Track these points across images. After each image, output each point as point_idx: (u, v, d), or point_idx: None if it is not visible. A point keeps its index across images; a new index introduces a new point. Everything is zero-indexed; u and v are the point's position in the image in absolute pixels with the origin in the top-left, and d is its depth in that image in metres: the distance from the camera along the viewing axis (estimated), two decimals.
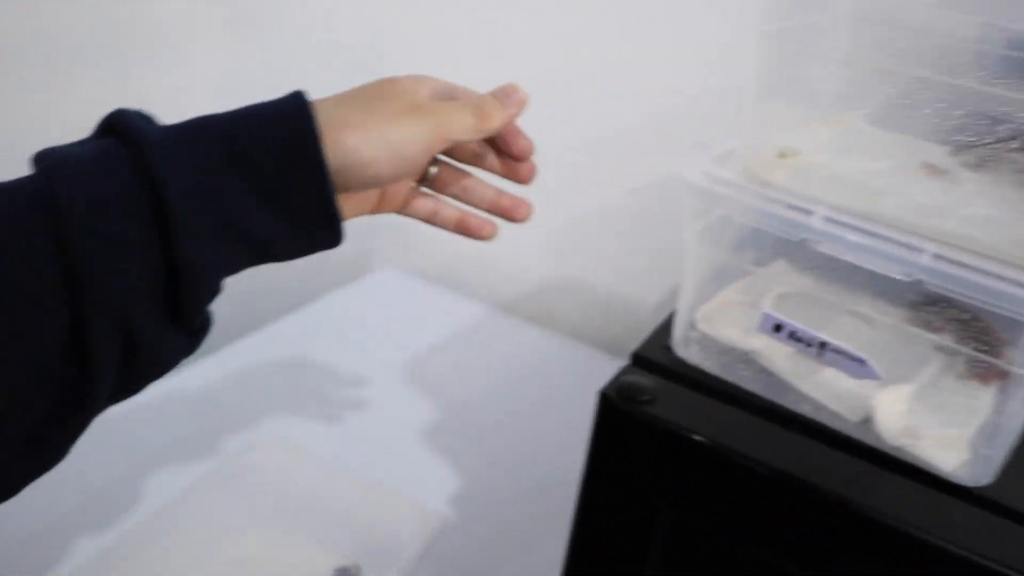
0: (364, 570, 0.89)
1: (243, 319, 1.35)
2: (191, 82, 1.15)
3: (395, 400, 1.20)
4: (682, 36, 1.19)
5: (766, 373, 0.64)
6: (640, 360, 0.64)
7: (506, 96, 0.53)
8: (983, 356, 0.54)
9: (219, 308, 1.33)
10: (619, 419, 0.59)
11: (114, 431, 1.07)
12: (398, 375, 1.25)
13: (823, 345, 0.57)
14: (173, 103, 1.12)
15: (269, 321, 1.34)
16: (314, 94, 0.48)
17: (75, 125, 0.99)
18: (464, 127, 0.50)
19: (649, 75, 1.24)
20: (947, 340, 0.57)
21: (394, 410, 1.18)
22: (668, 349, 0.65)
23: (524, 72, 1.43)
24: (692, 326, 0.67)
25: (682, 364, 0.64)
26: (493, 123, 0.51)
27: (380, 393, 1.21)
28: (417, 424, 1.15)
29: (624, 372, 0.62)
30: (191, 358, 1.26)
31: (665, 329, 0.68)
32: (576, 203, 1.38)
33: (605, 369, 1.34)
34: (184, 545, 0.83)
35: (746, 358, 0.65)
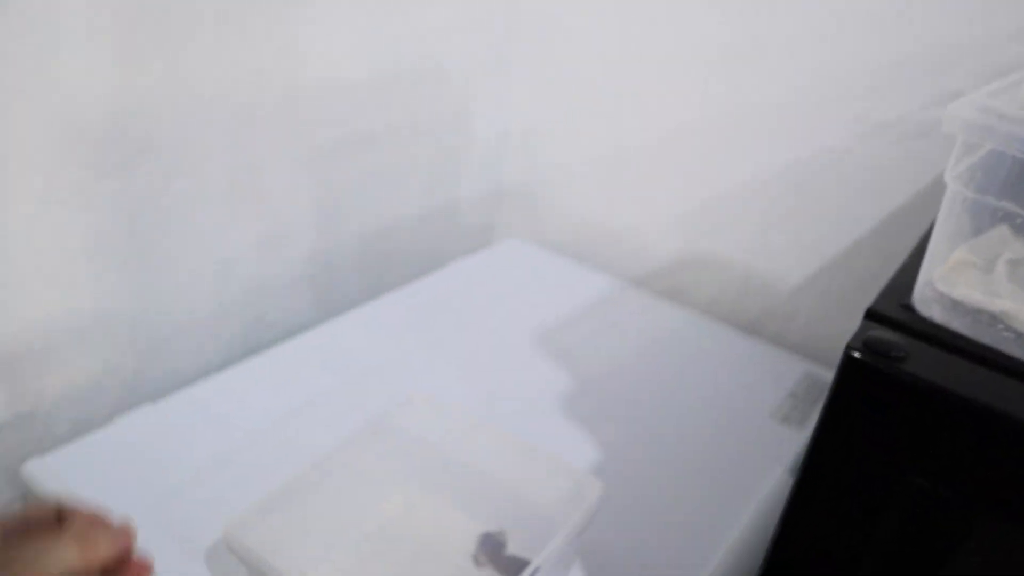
0: (510, 537, 0.86)
1: (368, 286, 1.34)
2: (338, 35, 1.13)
3: (531, 368, 1.16)
4: (826, 10, 1.13)
5: (1017, 335, 0.58)
6: (878, 317, 0.58)
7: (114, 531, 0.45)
8: None
9: (345, 273, 1.31)
10: (869, 377, 0.54)
11: (258, 387, 1.06)
12: (531, 344, 1.22)
13: None
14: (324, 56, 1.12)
15: (395, 287, 1.32)
16: None
17: (244, 69, 0.96)
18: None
19: (792, 52, 1.17)
20: None
21: (531, 378, 1.14)
22: (907, 308, 0.60)
23: (658, 46, 1.39)
24: (930, 285, 0.61)
25: (927, 323, 0.58)
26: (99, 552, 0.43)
27: (516, 360, 1.18)
28: (555, 394, 1.11)
29: (866, 329, 0.57)
30: (321, 316, 1.26)
31: (896, 288, 0.63)
32: (713, 179, 1.32)
33: (738, 346, 1.38)
34: (329, 504, 0.80)
35: (994, 319, 0.59)
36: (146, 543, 0.50)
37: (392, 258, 1.38)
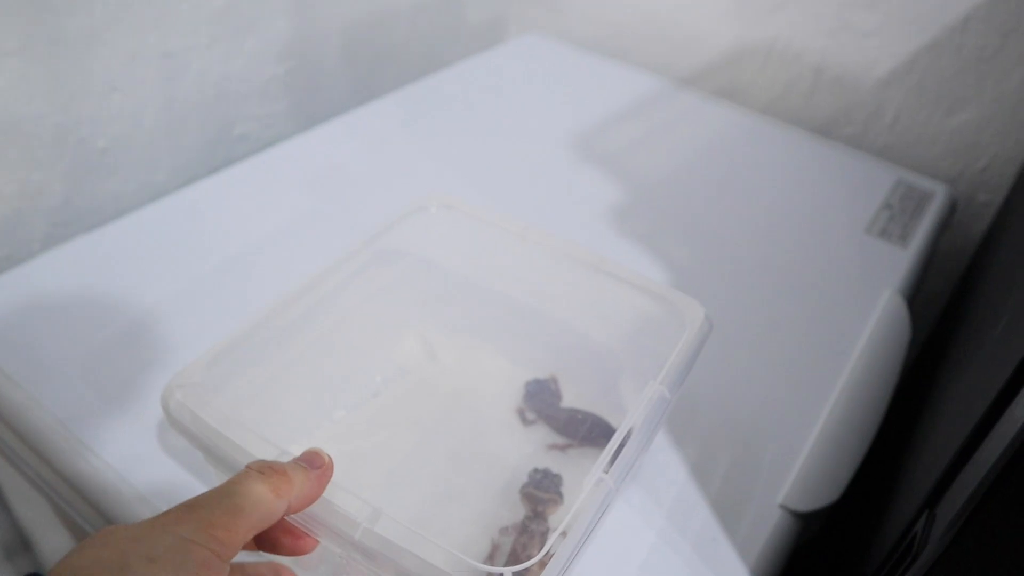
0: (566, 386, 0.66)
1: (356, 89, 1.08)
2: None
3: (569, 178, 0.93)
4: None
5: None
6: None
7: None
8: None
9: (328, 73, 1.04)
10: None
11: (222, 210, 0.83)
12: (565, 150, 0.98)
13: None
14: None
15: (389, 91, 1.06)
16: None
17: None
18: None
19: None
20: None
21: (571, 190, 0.91)
22: None
23: None
24: None
25: None
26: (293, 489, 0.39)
27: (549, 169, 0.95)
28: (605, 208, 0.88)
29: None
30: (301, 126, 1.01)
31: None
32: None
33: (815, 151, 1.01)
34: (316, 352, 0.60)
35: None
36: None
37: (384, 56, 1.12)
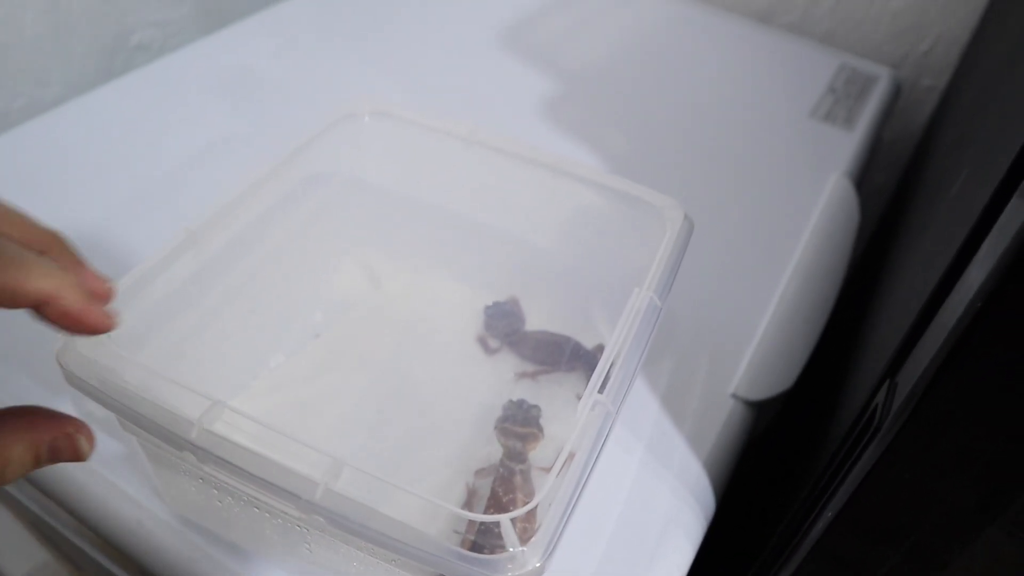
0: (528, 308, 0.59)
1: None
2: None
3: (504, 71, 0.85)
4: None
5: None
6: None
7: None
8: None
9: None
10: None
11: (120, 122, 0.72)
12: (496, 43, 0.89)
13: None
14: None
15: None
16: None
17: None
18: None
19: None
20: None
21: (507, 83, 0.83)
22: None
23: None
24: None
25: None
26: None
27: (481, 62, 0.86)
28: (541, 102, 0.81)
29: None
30: (207, 28, 0.88)
31: None
32: None
33: (755, 39, 0.94)
34: (235, 285, 0.52)
35: None
36: None
37: None
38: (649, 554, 0.48)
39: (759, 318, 0.63)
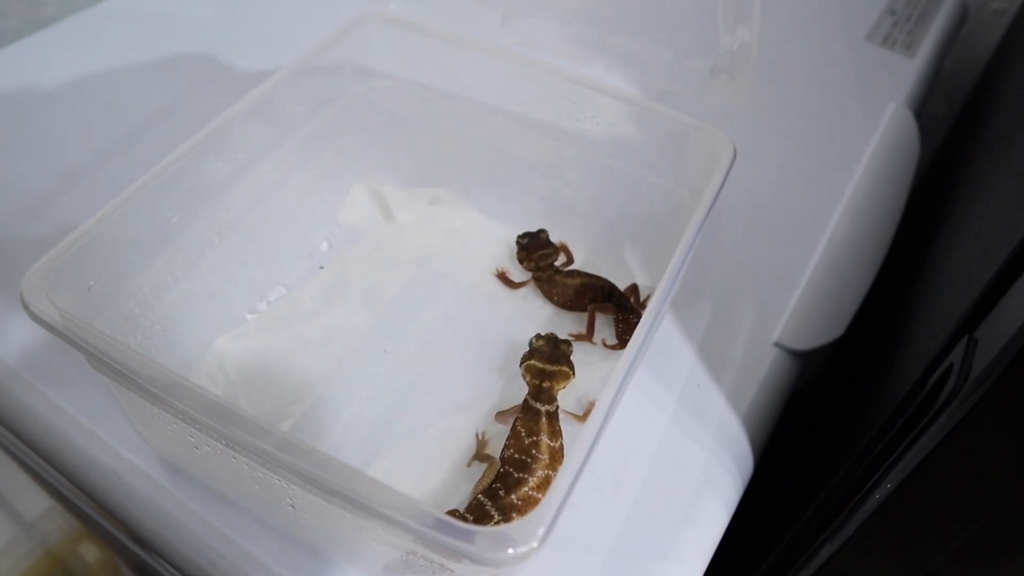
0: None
1: None
2: None
3: None
4: None
5: None
6: None
7: None
8: None
9: None
10: None
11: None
12: None
13: None
14: None
15: None
16: None
17: None
18: None
19: None
20: None
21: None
22: None
23: None
24: None
25: None
26: None
27: None
28: (573, 17, 0.73)
29: None
30: None
31: None
32: None
33: None
34: (219, 215, 0.47)
35: None
36: None
37: None
38: (679, 519, 0.43)
39: (807, 260, 0.57)
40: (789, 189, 0.63)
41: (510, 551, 0.28)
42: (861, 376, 0.60)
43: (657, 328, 0.36)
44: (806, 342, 0.52)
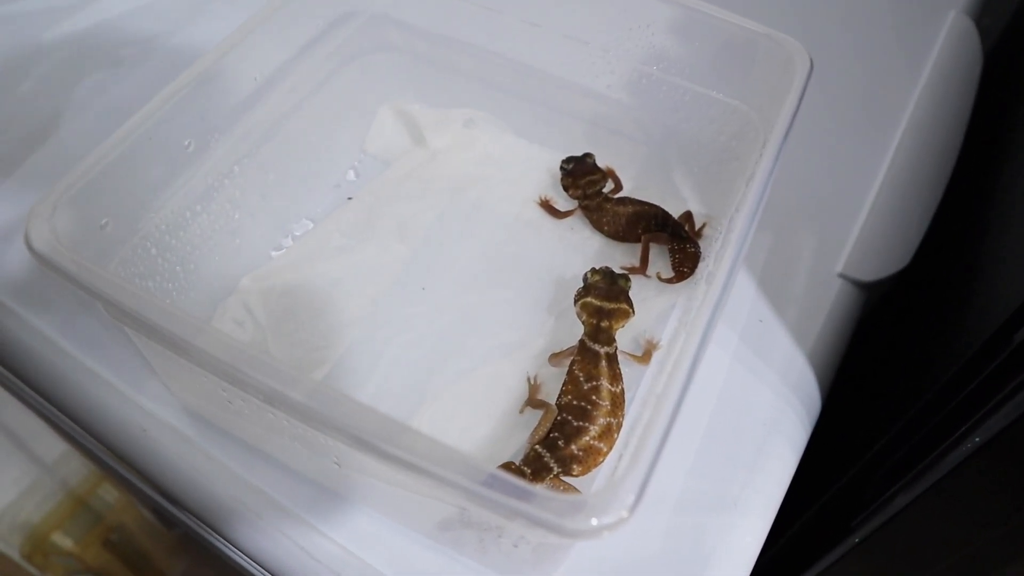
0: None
1: None
2: None
3: None
4: None
5: None
6: None
7: None
8: None
9: None
10: None
11: None
12: None
13: None
14: None
15: None
16: None
17: None
18: None
19: None
20: None
21: None
22: None
23: None
24: None
25: None
26: None
27: None
28: None
29: None
30: None
31: None
32: None
33: None
34: (247, 152, 0.42)
35: None
36: None
37: None
38: (747, 465, 0.40)
39: (869, 184, 0.52)
40: (845, 107, 0.58)
41: (594, 521, 0.25)
42: (926, 311, 0.56)
43: (737, 271, 0.32)
44: (872, 272, 0.49)
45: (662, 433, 0.27)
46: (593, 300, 0.40)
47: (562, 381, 0.39)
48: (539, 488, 0.26)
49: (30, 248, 0.30)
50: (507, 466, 0.37)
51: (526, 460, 0.37)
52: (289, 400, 0.27)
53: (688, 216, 0.48)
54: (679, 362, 0.29)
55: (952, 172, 0.55)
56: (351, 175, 0.49)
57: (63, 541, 0.92)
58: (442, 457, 0.26)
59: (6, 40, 0.54)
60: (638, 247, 0.46)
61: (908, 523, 0.42)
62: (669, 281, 0.45)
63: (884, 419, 0.50)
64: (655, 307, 0.44)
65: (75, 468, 0.90)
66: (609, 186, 0.49)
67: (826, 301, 0.47)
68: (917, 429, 0.44)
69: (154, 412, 0.39)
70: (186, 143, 0.38)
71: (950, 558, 0.42)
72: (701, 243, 0.47)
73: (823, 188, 0.52)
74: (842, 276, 0.48)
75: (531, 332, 0.43)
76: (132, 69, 0.53)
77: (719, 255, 0.36)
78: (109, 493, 0.90)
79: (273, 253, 0.45)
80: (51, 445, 0.85)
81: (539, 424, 0.38)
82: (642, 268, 0.46)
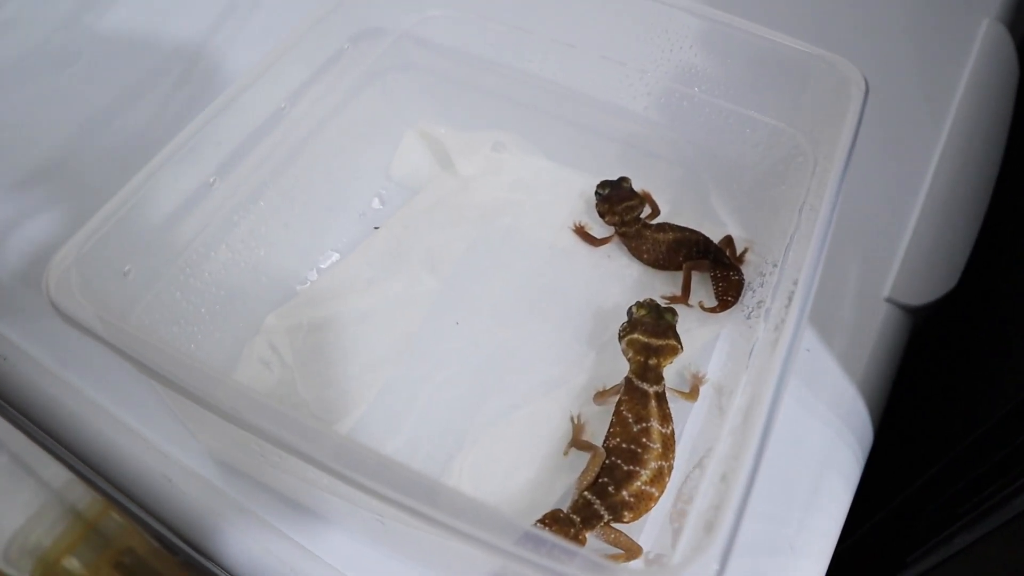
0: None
1: None
2: None
3: None
4: None
5: None
6: None
7: None
8: None
9: None
10: None
11: None
12: None
13: None
14: None
15: None
16: None
17: None
18: None
19: None
20: None
21: None
22: None
23: None
24: None
25: None
26: None
27: None
28: None
29: None
30: None
31: None
32: None
33: None
34: (275, 174, 0.40)
35: None
36: None
37: None
38: (801, 507, 0.38)
39: (911, 204, 0.51)
40: (881, 124, 0.55)
41: None
42: (977, 336, 0.54)
43: (805, 317, 0.30)
44: (920, 296, 0.47)
45: (739, 502, 0.25)
46: (640, 336, 0.39)
47: (608, 421, 0.37)
48: (584, 550, 0.24)
49: (50, 302, 0.28)
50: (555, 514, 0.35)
51: (575, 507, 0.35)
52: (314, 459, 0.25)
53: (729, 241, 0.46)
54: (751, 422, 0.27)
55: (995, 186, 0.53)
56: (376, 203, 0.47)
57: (73, 565, 0.90)
58: (480, 515, 0.24)
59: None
60: (678, 275, 0.44)
61: (967, 563, 0.40)
62: (712, 311, 0.43)
63: (933, 451, 0.48)
64: (699, 338, 0.43)
65: (83, 492, 0.89)
66: (646, 211, 0.47)
67: (874, 327, 0.45)
68: (973, 464, 0.42)
69: (179, 460, 0.37)
70: (211, 180, 0.36)
71: None
72: (744, 268, 0.45)
73: (864, 210, 0.50)
74: (889, 301, 0.46)
75: (572, 368, 0.41)
76: (153, 87, 0.51)
77: (775, 290, 0.34)
78: (118, 517, 0.88)
79: (298, 288, 0.43)
80: (59, 470, 0.83)
81: (587, 468, 0.36)
82: (684, 297, 0.44)
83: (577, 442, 0.38)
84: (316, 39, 0.41)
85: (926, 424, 0.54)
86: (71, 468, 0.42)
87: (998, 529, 0.37)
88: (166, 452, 0.37)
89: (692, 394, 0.40)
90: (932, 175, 0.52)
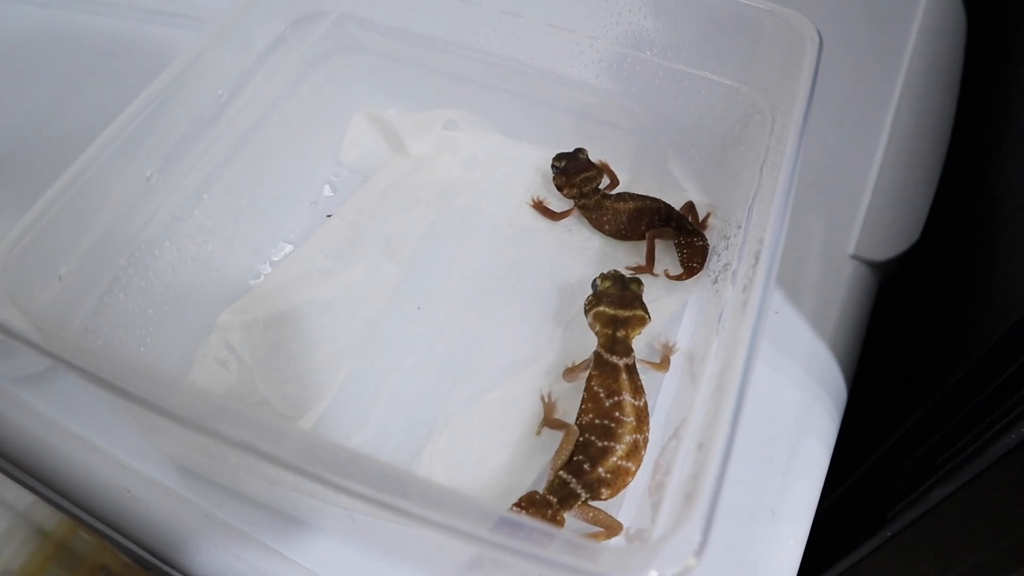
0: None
1: None
2: None
3: None
4: None
5: None
6: None
7: None
8: None
9: None
10: None
11: None
12: None
13: None
14: None
15: None
16: None
17: None
18: None
19: None
20: None
21: None
22: None
23: None
24: None
25: None
26: None
27: None
28: None
29: None
30: None
31: None
32: None
33: None
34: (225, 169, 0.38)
35: None
36: None
37: None
38: (780, 471, 0.38)
39: (869, 162, 0.50)
40: (834, 82, 0.55)
41: (653, 574, 0.22)
42: (942, 291, 0.54)
43: (773, 276, 0.29)
44: (885, 251, 0.46)
45: (718, 470, 0.24)
46: (606, 309, 0.38)
47: (580, 398, 0.37)
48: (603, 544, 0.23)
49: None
50: (531, 496, 0.34)
51: (551, 488, 0.34)
52: (278, 459, 0.24)
53: (691, 207, 0.45)
54: (725, 387, 0.26)
55: (950, 139, 0.53)
56: (327, 190, 0.46)
57: None
58: (454, 504, 0.23)
59: None
60: (642, 245, 0.44)
61: (947, 515, 0.40)
62: (678, 278, 0.43)
63: (906, 406, 0.48)
64: (666, 307, 0.42)
65: (50, 512, 0.86)
66: (605, 182, 0.46)
67: (841, 286, 0.45)
68: (948, 415, 0.42)
69: (139, 469, 0.35)
70: (148, 174, 0.35)
71: (988, 550, 0.40)
72: (707, 234, 0.44)
73: (824, 168, 0.50)
74: (855, 257, 0.46)
75: (539, 346, 0.40)
76: (74, 92, 0.49)
77: (741, 251, 0.34)
78: (86, 535, 0.86)
79: (252, 282, 0.42)
80: (20, 491, 0.81)
81: (560, 447, 0.36)
82: (649, 267, 0.43)
83: (549, 421, 0.37)
84: (253, 23, 0.40)
85: (897, 380, 0.54)
86: (26, 487, 0.40)
87: (974, 479, 0.36)
88: (124, 463, 0.36)
89: (663, 364, 0.39)
90: (889, 129, 0.52)
